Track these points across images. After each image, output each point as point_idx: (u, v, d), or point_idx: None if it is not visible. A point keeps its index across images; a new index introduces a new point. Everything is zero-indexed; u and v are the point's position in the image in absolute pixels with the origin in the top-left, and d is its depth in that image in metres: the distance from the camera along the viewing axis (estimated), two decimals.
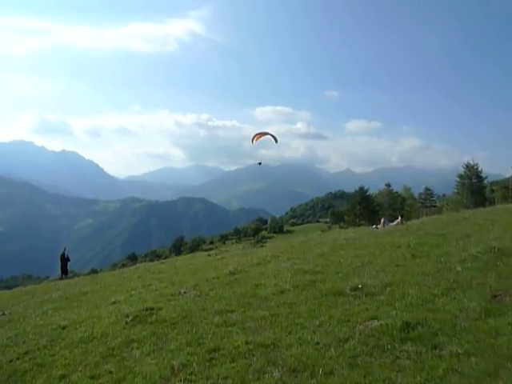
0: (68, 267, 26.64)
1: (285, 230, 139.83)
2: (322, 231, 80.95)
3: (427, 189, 64.51)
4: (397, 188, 69.60)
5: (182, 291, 9.60)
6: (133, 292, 10.94)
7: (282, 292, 8.22)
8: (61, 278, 25.20)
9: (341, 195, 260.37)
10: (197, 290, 9.59)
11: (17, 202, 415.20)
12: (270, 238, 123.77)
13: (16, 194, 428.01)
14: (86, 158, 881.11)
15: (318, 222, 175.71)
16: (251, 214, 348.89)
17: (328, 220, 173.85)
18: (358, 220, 55.36)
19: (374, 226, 22.51)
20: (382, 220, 22.53)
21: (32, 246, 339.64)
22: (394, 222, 21.97)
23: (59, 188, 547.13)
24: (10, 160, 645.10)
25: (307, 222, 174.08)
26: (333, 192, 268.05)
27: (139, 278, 14.77)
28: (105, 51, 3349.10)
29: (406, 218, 55.77)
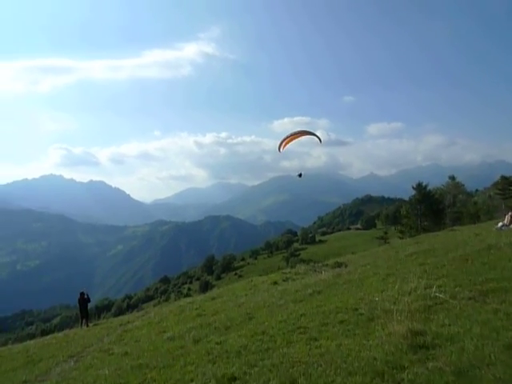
0: (88, 308, 22.11)
1: (317, 240, 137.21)
2: (382, 239, 74.15)
3: (503, 177, 54.64)
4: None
5: None
6: None
7: None
8: (82, 324, 20.94)
9: (368, 200, 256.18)
10: None
11: (51, 235, 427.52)
12: (303, 249, 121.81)
13: (50, 226, 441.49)
14: (113, 185, 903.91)
15: (348, 229, 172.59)
16: (278, 227, 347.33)
17: (359, 226, 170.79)
18: (419, 222, 49.40)
19: (500, 224, 18.32)
20: (510, 214, 18.17)
21: (67, 276, 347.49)
22: (506, 220, 18.13)
23: (89, 217, 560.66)
24: (42, 195, 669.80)
25: (338, 230, 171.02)
26: (359, 197, 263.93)
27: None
28: (122, 82, 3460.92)
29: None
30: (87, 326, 20.33)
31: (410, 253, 14.73)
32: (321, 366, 5.23)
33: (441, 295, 7.30)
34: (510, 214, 18.23)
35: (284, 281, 17.33)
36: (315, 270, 19.42)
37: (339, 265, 20.06)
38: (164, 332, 11.02)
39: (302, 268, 20.65)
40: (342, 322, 7.12)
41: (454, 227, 25.33)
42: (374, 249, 25.17)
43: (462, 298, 7.05)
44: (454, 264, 10.37)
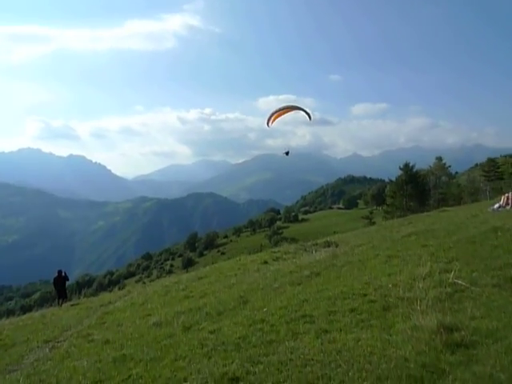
0: (66, 287, 21.18)
1: (300, 218, 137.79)
2: (368, 219, 74.32)
3: (490, 159, 54.95)
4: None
5: None
6: None
7: None
8: (59, 304, 19.54)
9: (350, 180, 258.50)
10: None
11: (29, 210, 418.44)
12: (285, 228, 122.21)
13: (28, 201, 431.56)
14: (94, 160, 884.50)
15: (330, 208, 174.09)
16: (261, 206, 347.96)
17: (341, 206, 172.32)
18: (405, 202, 48.09)
19: (496, 206, 17.40)
20: (507, 195, 17.39)
21: (47, 252, 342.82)
22: (502, 201, 17.34)
23: (69, 192, 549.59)
24: (19, 168, 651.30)
25: (320, 210, 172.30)
26: (342, 177, 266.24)
27: None
28: (103, 53, 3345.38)
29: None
30: (61, 305, 19.13)
31: (407, 233, 14.13)
32: (340, 366, 4.42)
33: (460, 281, 6.61)
34: (506, 195, 17.72)
35: (274, 260, 16.64)
36: (305, 250, 18.80)
37: (329, 244, 19.43)
38: (149, 316, 10.17)
39: (291, 247, 20.05)
40: (352, 310, 6.36)
41: (445, 208, 25.01)
42: (365, 228, 24.57)
43: (484, 285, 6.36)
44: (461, 246, 9.74)
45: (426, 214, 23.30)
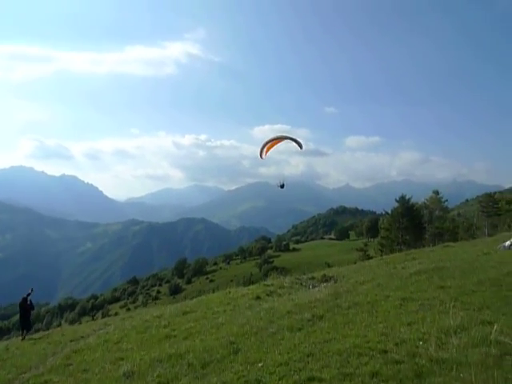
0: (31, 318, 18.56)
1: (291, 248, 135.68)
2: (361, 251, 73.30)
3: (488, 195, 53.70)
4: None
5: None
6: None
7: None
8: (22, 336, 17.18)
9: (342, 211, 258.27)
10: None
11: (16, 228, 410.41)
12: (276, 256, 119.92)
13: (16, 219, 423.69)
14: (86, 181, 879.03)
15: (322, 238, 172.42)
16: (252, 233, 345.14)
17: (332, 236, 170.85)
18: (400, 235, 46.50)
19: (508, 243, 16.35)
20: None
21: (31, 272, 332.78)
22: None
23: (59, 212, 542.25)
24: (10, 186, 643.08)
25: (311, 239, 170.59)
26: (334, 208, 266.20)
27: None
28: (103, 76, 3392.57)
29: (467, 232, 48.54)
30: (23, 338, 16.85)
31: (416, 271, 12.85)
32: None
33: (507, 340, 5.32)
34: None
35: (268, 295, 15.08)
36: (302, 284, 17.34)
37: (328, 279, 18.02)
38: (121, 360, 8.63)
39: (286, 281, 18.47)
40: (373, 374, 5.00)
41: (448, 243, 23.87)
42: (364, 262, 23.13)
43: None
44: (486, 290, 8.49)
45: (429, 249, 22.06)
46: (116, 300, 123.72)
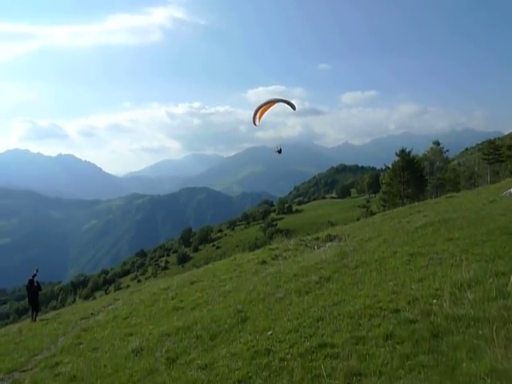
0: (39, 299, 18.30)
1: (293, 209, 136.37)
2: (364, 208, 72.98)
3: (490, 142, 52.79)
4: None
5: None
6: None
7: None
8: (33, 318, 17.12)
9: (342, 169, 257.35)
10: None
11: (21, 212, 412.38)
12: (279, 219, 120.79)
13: (19, 203, 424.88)
14: (83, 159, 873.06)
15: (324, 198, 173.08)
16: (254, 198, 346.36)
17: (334, 195, 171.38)
18: (402, 189, 45.73)
19: None
20: None
21: (41, 254, 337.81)
22: None
23: (60, 192, 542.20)
24: (8, 170, 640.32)
25: (314, 200, 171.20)
26: (334, 167, 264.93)
27: None
28: (86, 49, 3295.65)
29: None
30: (34, 320, 16.89)
31: (422, 224, 12.60)
32: None
33: None
34: None
35: (273, 259, 14.99)
36: (307, 245, 17.20)
37: (333, 238, 17.87)
38: (130, 336, 8.57)
39: (290, 243, 18.33)
40: (387, 336, 4.80)
41: (452, 194, 23.56)
42: (367, 219, 22.95)
43: None
44: (496, 239, 8.24)
45: (433, 201, 21.78)
46: (126, 273, 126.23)
